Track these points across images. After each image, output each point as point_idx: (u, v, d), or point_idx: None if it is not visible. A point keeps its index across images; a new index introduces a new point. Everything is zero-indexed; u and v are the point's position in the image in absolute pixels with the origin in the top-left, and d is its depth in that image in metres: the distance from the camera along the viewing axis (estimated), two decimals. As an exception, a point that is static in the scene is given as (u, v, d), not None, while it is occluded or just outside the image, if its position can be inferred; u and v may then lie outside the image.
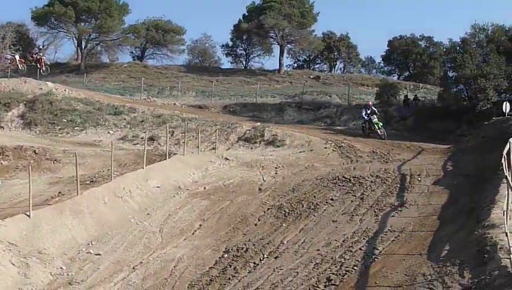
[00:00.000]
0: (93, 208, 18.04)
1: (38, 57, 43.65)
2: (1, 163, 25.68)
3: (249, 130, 31.75)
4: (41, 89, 38.36)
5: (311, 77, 58.74)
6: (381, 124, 31.44)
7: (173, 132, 31.33)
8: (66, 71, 58.46)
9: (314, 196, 20.32)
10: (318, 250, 15.42)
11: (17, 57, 42.75)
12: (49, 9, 57.28)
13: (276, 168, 24.81)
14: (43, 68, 43.38)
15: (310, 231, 17.23)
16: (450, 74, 39.00)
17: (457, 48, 36.96)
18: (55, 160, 25.88)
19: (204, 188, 22.37)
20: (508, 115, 28.15)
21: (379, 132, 30.92)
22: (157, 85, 52.08)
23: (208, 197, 21.13)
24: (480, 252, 11.98)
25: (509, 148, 17.50)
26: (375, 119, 31.41)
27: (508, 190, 13.14)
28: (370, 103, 33.88)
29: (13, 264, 14.15)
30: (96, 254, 15.94)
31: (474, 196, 17.61)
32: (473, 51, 35.21)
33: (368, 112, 31.71)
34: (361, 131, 32.27)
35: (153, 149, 28.12)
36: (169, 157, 24.86)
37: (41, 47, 49.02)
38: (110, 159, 21.07)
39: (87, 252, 16.00)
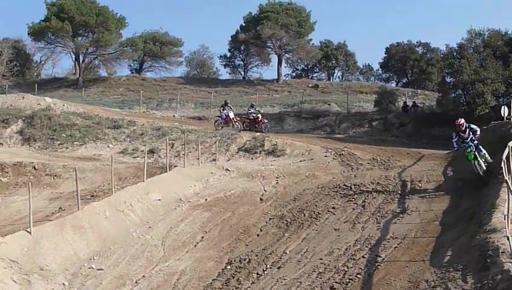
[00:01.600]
0: (94, 222, 17.98)
1: (254, 116, 36.52)
2: (1, 180, 25.61)
3: (249, 140, 31.73)
4: (39, 104, 38.44)
5: (310, 85, 58.87)
6: (484, 152, 19.90)
7: (173, 144, 31.33)
8: (64, 86, 58.84)
9: (316, 205, 20.29)
10: (321, 259, 15.38)
11: (231, 114, 36.60)
12: (46, 24, 57.47)
13: (277, 177, 24.79)
14: (262, 128, 35.89)
15: (312, 240, 17.19)
16: (448, 79, 39.10)
17: (454, 53, 37.12)
18: (55, 175, 25.87)
19: (206, 199, 22.34)
20: (506, 119, 28.15)
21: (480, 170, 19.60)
22: (156, 98, 52.31)
23: (209, 209, 21.08)
24: (482, 256, 11.95)
25: (509, 152, 17.49)
26: (479, 151, 19.70)
27: (508, 194, 13.11)
28: (461, 121, 19.80)
29: (15, 282, 14.06)
30: (99, 269, 15.87)
31: (475, 200, 17.59)
32: (470, 56, 35.36)
33: (466, 136, 19.60)
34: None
35: (153, 162, 28.10)
36: (169, 170, 24.81)
37: (254, 103, 41.26)
38: (111, 173, 21.04)
39: (89, 268, 15.94)
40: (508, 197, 13.12)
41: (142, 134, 34.43)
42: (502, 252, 11.64)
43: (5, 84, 36.13)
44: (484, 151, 19.93)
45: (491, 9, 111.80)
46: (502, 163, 16.21)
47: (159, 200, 21.50)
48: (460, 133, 19.88)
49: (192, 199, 22.41)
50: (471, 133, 19.70)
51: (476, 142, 19.71)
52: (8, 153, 30.77)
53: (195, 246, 17.85)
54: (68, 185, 24.21)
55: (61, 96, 47.29)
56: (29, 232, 15.94)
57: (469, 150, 19.53)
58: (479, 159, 19.53)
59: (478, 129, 20.12)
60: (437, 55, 54.37)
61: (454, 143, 20.08)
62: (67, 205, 20.27)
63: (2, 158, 27.80)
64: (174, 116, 43.36)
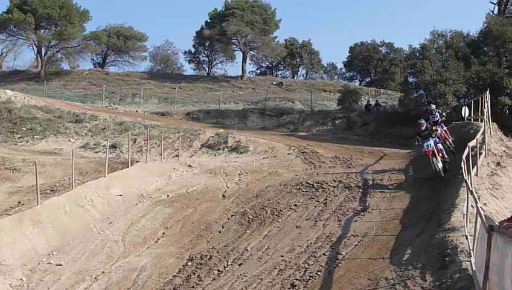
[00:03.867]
0: (53, 217, 17.73)
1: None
2: (-41, 173, 25.13)
3: (212, 136, 31.67)
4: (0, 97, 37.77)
5: (274, 83, 58.95)
6: None
7: (135, 140, 31.08)
8: (26, 79, 57.85)
9: (278, 202, 20.33)
10: (282, 256, 15.40)
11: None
12: (8, 16, 56.45)
13: (239, 174, 24.78)
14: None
15: (273, 237, 17.21)
16: (410, 79, 39.56)
17: (417, 54, 37.53)
18: (15, 169, 25.43)
19: (168, 195, 22.22)
20: (467, 119, 28.53)
21: None
22: (119, 92, 51.77)
23: (171, 205, 20.97)
24: (441, 255, 12.09)
25: (468, 152, 17.76)
26: None
27: (467, 194, 13.30)
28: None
29: (-29, 277, 13.84)
30: (57, 265, 15.66)
31: (435, 199, 17.80)
32: (432, 57, 35.80)
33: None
34: None
35: (115, 157, 27.85)
36: (131, 165, 24.62)
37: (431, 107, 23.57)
38: (71, 167, 20.77)
39: (48, 263, 15.72)
40: (468, 196, 13.30)
41: (104, 129, 34.09)
42: (460, 251, 11.79)
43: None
44: None
45: (454, 11, 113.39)
46: (462, 163, 16.45)
47: (120, 195, 21.31)
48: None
49: (154, 195, 22.26)
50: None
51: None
52: (-34, 146, 30.19)
53: (156, 242, 17.75)
54: (28, 179, 23.83)
55: (22, 89, 46.53)
56: (-13, 227, 15.66)
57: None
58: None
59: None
60: (400, 55, 54.85)
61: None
62: (27, 199, 19.98)
63: (-41, 151, 27.26)
64: (137, 111, 43.03)
